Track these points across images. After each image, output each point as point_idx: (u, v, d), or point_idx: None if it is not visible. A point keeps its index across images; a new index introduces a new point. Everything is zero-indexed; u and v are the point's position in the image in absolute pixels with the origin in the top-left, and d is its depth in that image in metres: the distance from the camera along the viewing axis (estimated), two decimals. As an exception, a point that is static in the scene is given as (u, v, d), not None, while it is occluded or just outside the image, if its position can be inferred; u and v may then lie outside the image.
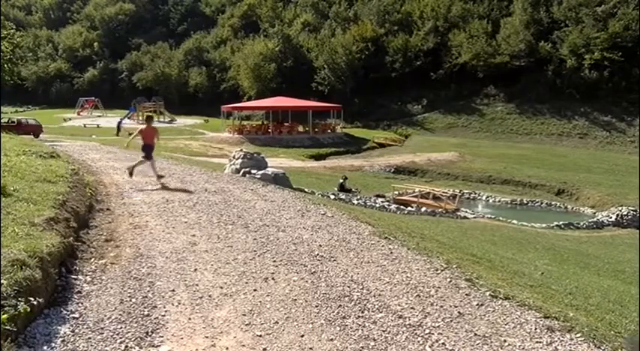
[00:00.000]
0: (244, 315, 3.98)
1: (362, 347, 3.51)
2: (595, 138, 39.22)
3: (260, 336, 3.64)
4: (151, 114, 13.82)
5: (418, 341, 3.62)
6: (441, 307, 4.24)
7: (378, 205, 16.05)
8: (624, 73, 40.48)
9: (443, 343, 3.59)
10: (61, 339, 3.42)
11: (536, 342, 3.65)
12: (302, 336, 3.65)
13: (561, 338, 3.71)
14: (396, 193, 19.36)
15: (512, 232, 14.08)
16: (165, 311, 3.98)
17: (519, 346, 3.59)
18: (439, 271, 5.17)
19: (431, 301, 4.36)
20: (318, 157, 29.85)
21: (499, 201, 21.38)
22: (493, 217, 17.29)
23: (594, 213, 19.46)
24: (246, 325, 3.81)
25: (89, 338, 3.47)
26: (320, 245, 6.05)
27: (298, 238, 6.38)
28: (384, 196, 18.64)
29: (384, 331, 3.76)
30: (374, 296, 4.43)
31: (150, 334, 3.59)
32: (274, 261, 5.37)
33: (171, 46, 72.75)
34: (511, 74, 44.86)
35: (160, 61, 68.48)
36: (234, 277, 4.82)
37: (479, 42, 46.53)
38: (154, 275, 4.79)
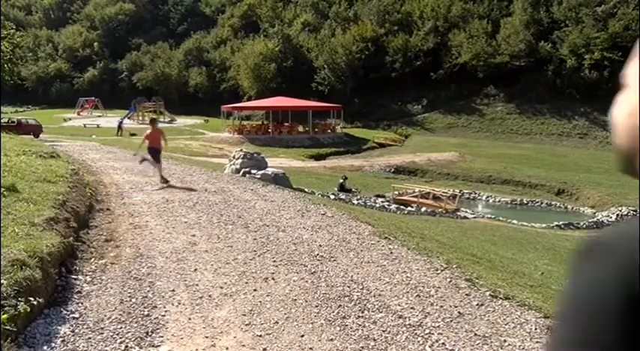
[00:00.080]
0: (244, 315, 3.98)
1: (362, 347, 3.51)
2: (595, 138, 39.21)
3: (260, 336, 3.64)
4: (154, 117, 13.80)
5: (418, 341, 3.62)
6: (441, 307, 4.24)
7: (378, 205, 16.05)
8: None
9: (443, 343, 3.59)
10: (61, 339, 3.42)
11: (536, 342, 3.65)
12: (302, 336, 3.65)
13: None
14: (396, 193, 19.35)
15: (512, 232, 14.08)
16: (166, 311, 3.98)
17: (519, 346, 3.59)
18: (439, 271, 5.17)
19: (431, 301, 4.36)
20: (318, 157, 29.84)
21: (499, 201, 21.38)
22: (493, 217, 17.29)
23: (594, 213, 19.45)
24: (246, 325, 3.81)
25: (89, 338, 3.47)
26: (320, 245, 6.05)
27: (298, 238, 6.38)
28: (384, 196, 18.63)
29: (384, 331, 3.76)
30: (374, 296, 4.43)
31: (150, 334, 3.59)
32: (274, 261, 5.37)
33: (171, 46, 72.72)
34: (511, 74, 44.86)
35: (160, 61, 68.46)
36: (234, 277, 4.82)
37: (479, 42, 46.52)
38: (154, 275, 4.79)
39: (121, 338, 3.50)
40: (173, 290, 4.43)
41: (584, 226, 16.97)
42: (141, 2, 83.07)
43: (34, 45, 74.40)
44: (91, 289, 4.37)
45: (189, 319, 3.87)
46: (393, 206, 16.74)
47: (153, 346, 3.44)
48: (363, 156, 31.71)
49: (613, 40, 40.30)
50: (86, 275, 4.71)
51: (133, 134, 34.77)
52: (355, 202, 15.34)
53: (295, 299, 4.31)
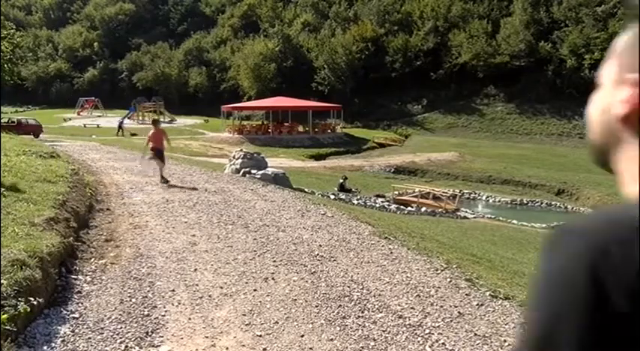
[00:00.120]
0: (244, 315, 3.98)
1: (362, 347, 3.51)
2: (595, 138, 39.18)
3: (260, 336, 3.63)
4: (157, 118, 13.80)
5: (418, 341, 3.62)
6: (441, 307, 4.24)
7: (378, 205, 16.05)
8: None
9: (443, 343, 3.59)
10: (61, 339, 3.42)
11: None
12: (302, 336, 3.65)
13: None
14: (396, 193, 19.35)
15: (512, 232, 14.08)
16: (166, 311, 3.98)
17: (519, 346, 3.59)
18: (439, 271, 5.17)
19: (431, 301, 4.36)
20: (318, 157, 29.83)
21: (499, 201, 21.38)
22: (493, 217, 17.29)
23: (594, 213, 19.42)
24: (246, 325, 3.81)
25: (89, 338, 3.47)
26: (320, 245, 6.05)
27: (298, 238, 6.39)
28: (384, 196, 18.63)
29: (384, 331, 3.76)
30: (374, 296, 4.43)
31: (150, 334, 3.59)
32: (274, 261, 5.37)
33: (171, 46, 72.70)
34: (511, 74, 44.86)
35: (160, 61, 68.44)
36: (234, 277, 4.82)
37: (479, 42, 46.52)
38: (154, 275, 4.79)
39: (121, 338, 3.50)
40: (173, 290, 4.43)
41: (584, 226, 16.92)
42: (141, 2, 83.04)
43: (34, 45, 74.37)
44: (91, 289, 4.37)
45: (189, 319, 3.87)
46: (393, 206, 16.74)
47: (153, 346, 3.44)
48: (363, 156, 31.71)
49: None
50: (86, 275, 4.71)
51: (133, 134, 34.78)
52: (355, 202, 15.34)
53: (295, 299, 4.31)
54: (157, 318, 3.85)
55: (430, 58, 49.19)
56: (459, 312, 4.13)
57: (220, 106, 40.49)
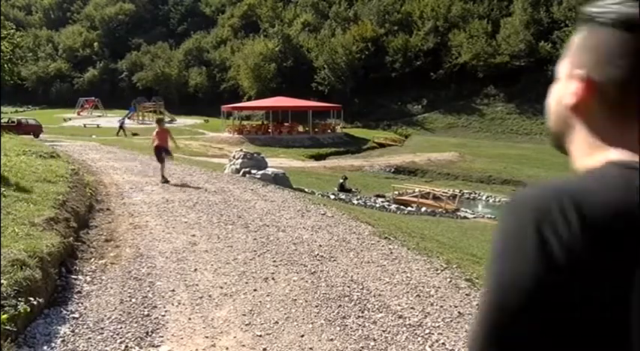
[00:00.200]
0: (244, 315, 3.98)
1: (362, 347, 3.51)
2: (595, 138, 39.21)
3: (260, 336, 3.64)
4: (161, 117, 13.90)
5: (418, 341, 3.62)
6: (441, 307, 4.24)
7: (378, 205, 16.05)
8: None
9: (443, 343, 3.59)
10: (61, 339, 3.42)
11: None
12: (302, 336, 3.65)
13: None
14: (396, 193, 19.35)
15: (512, 232, 14.06)
16: (166, 311, 3.98)
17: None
18: (439, 271, 5.17)
19: (431, 301, 4.36)
20: (318, 157, 29.83)
21: (499, 201, 21.36)
22: (493, 217, 17.28)
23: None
24: (246, 325, 3.81)
25: (89, 338, 3.47)
26: (320, 245, 6.05)
27: (298, 238, 6.39)
28: (384, 196, 18.63)
29: (384, 331, 3.76)
30: (374, 296, 4.43)
31: (150, 334, 3.59)
32: (274, 261, 5.37)
33: (171, 46, 72.71)
34: (511, 74, 44.87)
35: (160, 61, 68.44)
36: (234, 277, 4.82)
37: (479, 42, 46.53)
38: (154, 275, 4.79)
39: (121, 338, 3.50)
40: (173, 290, 4.43)
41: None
42: (141, 2, 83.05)
43: (34, 45, 74.38)
44: (91, 289, 4.37)
45: (189, 319, 3.87)
46: (393, 206, 16.74)
47: (153, 346, 3.44)
48: (363, 156, 31.70)
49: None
50: (86, 275, 4.71)
51: (135, 134, 34.80)
52: (355, 202, 15.34)
53: (295, 299, 4.31)
54: (157, 318, 3.85)
55: (430, 58, 49.20)
56: (459, 312, 4.13)
57: (220, 106, 40.48)
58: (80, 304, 4.03)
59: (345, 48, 51.22)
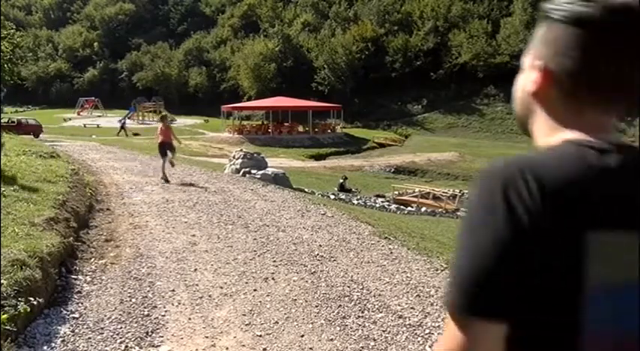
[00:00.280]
0: (244, 315, 3.98)
1: (362, 347, 3.51)
2: (595, 138, 39.19)
3: (260, 336, 3.64)
4: (165, 114, 14.05)
5: (418, 341, 3.62)
6: (441, 307, 4.24)
7: (378, 205, 16.04)
8: None
9: (443, 343, 3.59)
10: (61, 339, 3.42)
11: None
12: (302, 336, 3.65)
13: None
14: (396, 193, 19.35)
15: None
16: (165, 311, 3.98)
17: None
18: (439, 271, 5.17)
19: (431, 301, 4.36)
20: (318, 157, 29.82)
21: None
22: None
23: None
24: (246, 325, 3.81)
25: (89, 338, 3.47)
26: (320, 245, 6.05)
27: (298, 238, 6.39)
28: (384, 196, 18.63)
29: (384, 331, 3.76)
30: (374, 296, 4.43)
31: (150, 334, 3.59)
32: (274, 261, 5.37)
33: (171, 46, 72.68)
34: (511, 74, 43.17)
35: (160, 61, 68.41)
36: (234, 277, 4.82)
37: (479, 42, 46.51)
38: (154, 275, 4.79)
39: (121, 338, 3.50)
40: (173, 290, 4.43)
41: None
42: (141, 2, 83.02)
43: (34, 45, 74.34)
44: (91, 289, 4.37)
45: (189, 319, 3.87)
46: (393, 206, 16.74)
47: (153, 346, 3.44)
48: (363, 156, 31.70)
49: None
50: (86, 275, 4.71)
51: (136, 134, 34.81)
52: (355, 202, 15.34)
53: (295, 299, 4.31)
54: (157, 318, 3.85)
55: (430, 58, 49.18)
56: (459, 312, 4.12)
57: (220, 106, 40.47)
58: (80, 304, 4.03)
59: (345, 48, 51.20)
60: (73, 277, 4.61)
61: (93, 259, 5.20)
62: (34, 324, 3.53)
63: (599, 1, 0.78)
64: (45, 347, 3.28)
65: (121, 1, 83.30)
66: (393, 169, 26.87)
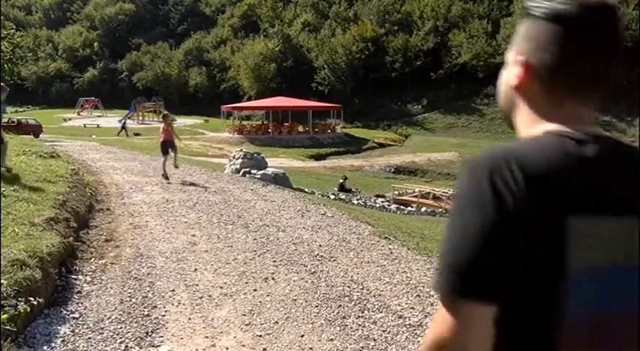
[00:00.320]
0: (244, 315, 3.98)
1: (362, 347, 3.51)
2: (595, 138, 39.17)
3: (260, 336, 3.64)
4: (166, 112, 14.19)
5: (418, 341, 3.62)
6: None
7: (378, 205, 16.04)
8: (624, 73, 40.49)
9: (443, 343, 3.59)
10: (61, 339, 3.42)
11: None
12: (302, 336, 3.65)
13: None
14: (396, 193, 19.35)
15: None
16: (166, 311, 3.98)
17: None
18: (439, 271, 5.17)
19: (431, 301, 4.36)
20: (318, 157, 29.83)
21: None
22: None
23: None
24: (246, 325, 3.81)
25: (89, 338, 3.47)
26: (320, 245, 6.05)
27: (298, 238, 6.39)
28: (384, 196, 18.63)
29: (384, 331, 3.76)
30: (374, 296, 4.43)
31: (150, 334, 3.59)
32: (274, 261, 5.37)
33: (171, 46, 72.68)
34: (511, 74, 44.80)
35: (160, 61, 68.42)
36: (234, 277, 4.82)
37: (479, 42, 46.49)
38: (154, 275, 4.79)
39: (121, 338, 3.50)
40: (173, 290, 4.43)
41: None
42: (141, 2, 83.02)
43: (34, 45, 74.37)
44: (91, 289, 4.37)
45: (189, 319, 3.87)
46: (393, 206, 16.74)
47: (153, 346, 3.44)
48: (363, 156, 31.70)
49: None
50: (86, 275, 4.71)
51: (137, 134, 34.83)
52: (355, 202, 15.34)
53: (295, 299, 4.31)
54: (157, 318, 3.85)
55: (430, 58, 49.16)
56: (459, 312, 4.12)
57: (220, 106, 40.47)
58: (80, 304, 4.03)
59: (345, 48, 51.20)
60: (73, 277, 4.61)
61: (93, 259, 5.20)
62: (34, 324, 3.53)
63: None
64: (45, 347, 3.28)
65: (121, 1, 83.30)
66: (393, 169, 26.87)
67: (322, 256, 5.60)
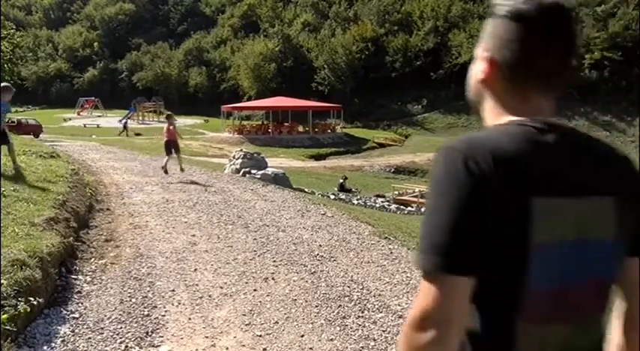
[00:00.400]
0: (244, 315, 3.97)
1: (362, 347, 3.51)
2: (595, 138, 39.18)
3: (260, 336, 3.63)
4: (170, 113, 14.31)
5: (418, 341, 3.61)
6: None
7: (378, 205, 16.04)
8: (624, 73, 40.47)
9: (443, 343, 3.58)
10: (61, 339, 3.42)
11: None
12: (302, 336, 3.65)
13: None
14: (396, 193, 19.34)
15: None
16: (166, 311, 3.98)
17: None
18: (439, 271, 5.16)
19: (431, 301, 4.35)
20: (318, 157, 29.82)
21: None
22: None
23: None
24: (246, 325, 3.81)
25: (89, 338, 3.47)
26: (320, 245, 6.05)
27: (298, 238, 6.38)
28: (384, 196, 18.62)
29: (384, 331, 3.76)
30: (374, 296, 4.43)
31: (150, 334, 3.59)
32: (274, 261, 5.37)
33: (171, 46, 72.68)
34: (511, 74, 44.76)
35: (160, 61, 68.41)
36: (234, 277, 4.82)
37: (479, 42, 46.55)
38: (154, 275, 4.79)
39: (121, 338, 3.50)
40: (173, 290, 4.43)
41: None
42: (141, 2, 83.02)
43: (34, 45, 74.38)
44: (91, 289, 4.37)
45: (189, 319, 3.87)
46: (393, 206, 16.73)
47: (153, 346, 3.44)
48: (363, 156, 31.69)
49: (613, 40, 40.28)
50: (86, 275, 4.71)
51: (138, 134, 34.85)
52: (355, 202, 15.33)
53: (295, 299, 4.31)
54: (157, 318, 3.85)
55: (430, 58, 49.15)
56: (459, 312, 4.12)
57: (220, 106, 40.46)
58: (80, 304, 4.03)
59: (345, 48, 51.20)
60: (73, 277, 4.61)
61: (93, 259, 5.20)
62: (34, 324, 3.53)
63: None
64: (45, 347, 3.28)
65: (121, 1, 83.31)
66: (393, 169, 26.86)
67: (322, 256, 5.60)
